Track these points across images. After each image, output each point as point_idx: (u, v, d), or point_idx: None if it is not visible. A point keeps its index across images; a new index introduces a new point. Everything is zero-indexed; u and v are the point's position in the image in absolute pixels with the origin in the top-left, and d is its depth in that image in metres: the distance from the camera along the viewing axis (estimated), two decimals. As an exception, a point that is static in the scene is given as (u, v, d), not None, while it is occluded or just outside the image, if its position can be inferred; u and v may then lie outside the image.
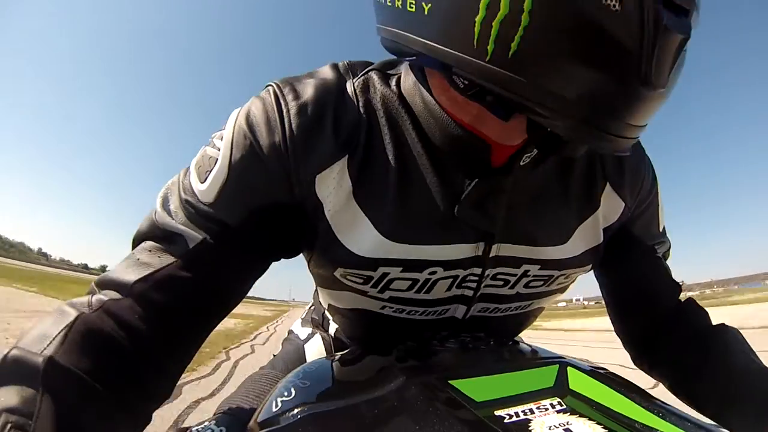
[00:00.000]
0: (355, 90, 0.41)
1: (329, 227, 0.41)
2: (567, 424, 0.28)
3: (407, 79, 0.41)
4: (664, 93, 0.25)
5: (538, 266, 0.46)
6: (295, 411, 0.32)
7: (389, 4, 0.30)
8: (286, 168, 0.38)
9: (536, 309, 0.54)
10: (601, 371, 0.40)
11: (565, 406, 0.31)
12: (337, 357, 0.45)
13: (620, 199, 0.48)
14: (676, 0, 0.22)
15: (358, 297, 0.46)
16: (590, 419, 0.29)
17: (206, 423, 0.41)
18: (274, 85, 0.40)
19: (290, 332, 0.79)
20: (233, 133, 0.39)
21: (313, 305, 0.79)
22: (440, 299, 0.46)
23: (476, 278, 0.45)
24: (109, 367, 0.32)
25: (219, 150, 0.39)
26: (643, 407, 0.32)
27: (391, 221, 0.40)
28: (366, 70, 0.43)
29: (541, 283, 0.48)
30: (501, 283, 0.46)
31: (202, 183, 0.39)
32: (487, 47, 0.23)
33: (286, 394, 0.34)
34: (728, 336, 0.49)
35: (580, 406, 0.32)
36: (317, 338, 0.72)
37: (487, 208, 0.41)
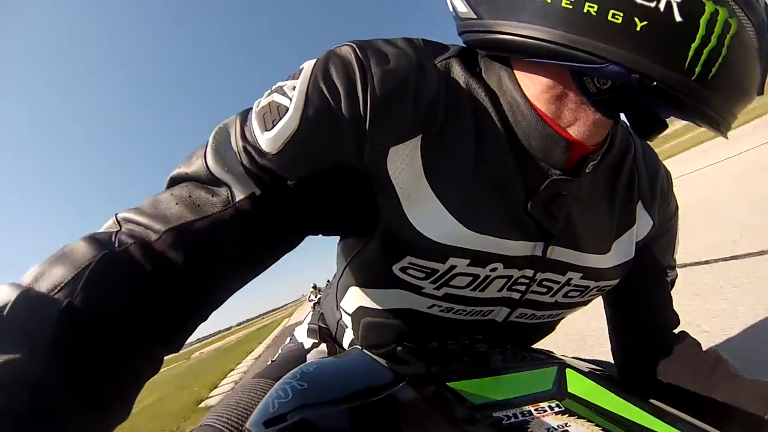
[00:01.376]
0: (436, 69, 0.39)
1: (401, 208, 0.39)
2: (565, 425, 0.28)
3: (492, 71, 0.41)
4: None
5: (581, 275, 0.47)
6: (293, 413, 0.32)
7: (568, 5, 0.29)
8: (360, 133, 0.36)
9: (560, 319, 0.55)
10: (600, 373, 0.40)
11: (563, 408, 0.31)
12: (335, 358, 0.44)
13: (650, 217, 0.51)
14: None
15: (407, 295, 0.45)
16: (588, 421, 0.29)
17: None
18: (355, 45, 0.38)
19: (291, 337, 0.75)
20: (309, 84, 0.36)
21: (321, 312, 0.74)
22: (490, 299, 0.46)
23: (526, 281, 0.45)
24: (131, 311, 0.29)
25: (291, 99, 0.36)
26: (641, 409, 0.32)
27: (465, 207, 0.39)
28: (448, 54, 0.42)
29: (578, 293, 0.49)
30: (545, 290, 0.47)
31: (266, 131, 0.36)
32: (695, 69, 0.27)
33: (282, 395, 0.34)
34: (721, 363, 0.50)
35: (579, 408, 0.32)
36: (322, 349, 0.69)
37: (553, 208, 0.42)
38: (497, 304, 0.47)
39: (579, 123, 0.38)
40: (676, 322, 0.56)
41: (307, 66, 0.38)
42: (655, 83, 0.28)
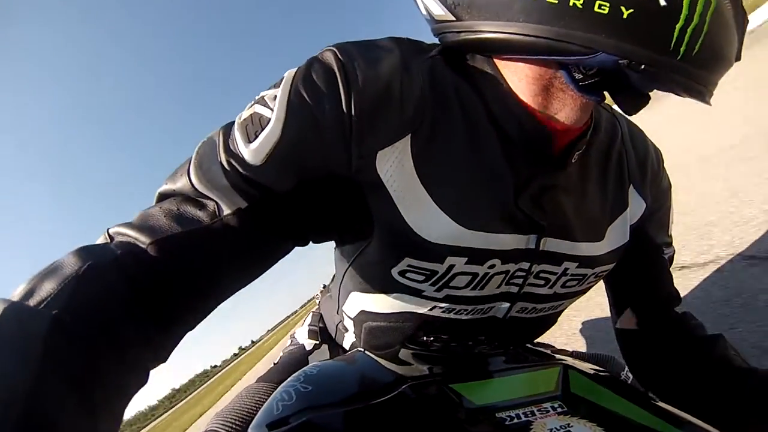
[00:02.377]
0: (422, 68, 0.39)
1: (396, 209, 0.38)
2: (568, 426, 0.28)
3: (476, 66, 0.41)
4: None
5: (576, 264, 0.47)
6: (297, 415, 0.32)
7: (553, 1, 0.30)
8: (346, 139, 0.36)
9: (561, 310, 0.55)
10: (602, 374, 0.40)
11: (566, 409, 0.31)
12: (339, 361, 0.44)
13: (642, 198, 0.51)
14: None
15: (407, 299, 0.45)
16: (591, 421, 0.29)
17: None
18: (337, 50, 0.37)
19: (293, 339, 0.75)
20: (290, 93, 0.36)
21: (321, 314, 0.75)
22: (489, 296, 0.46)
23: (523, 274, 0.45)
24: (119, 322, 0.29)
25: (272, 110, 0.36)
26: (643, 410, 0.32)
27: (459, 205, 0.39)
28: (433, 52, 0.41)
29: (576, 282, 0.49)
30: (542, 282, 0.47)
31: (249, 143, 0.36)
32: (680, 48, 0.28)
33: (286, 398, 0.34)
34: (725, 344, 0.50)
35: (581, 408, 0.32)
36: (324, 350, 0.69)
37: (542, 201, 0.42)
38: (497, 300, 0.47)
39: (566, 109, 0.38)
40: (677, 300, 0.56)
41: (288, 74, 0.38)
42: (642, 66, 0.29)
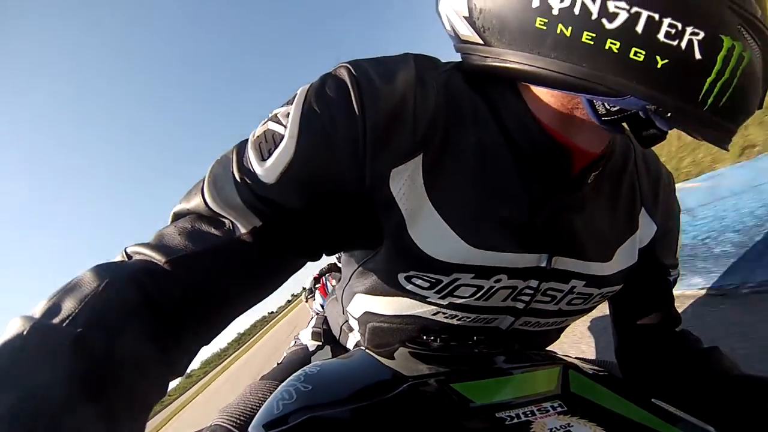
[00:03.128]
0: (437, 82, 0.39)
1: (404, 228, 0.38)
2: (568, 425, 0.28)
3: (494, 83, 0.40)
4: None
5: (584, 282, 0.47)
6: (297, 414, 0.32)
7: (589, 41, 0.29)
8: (360, 157, 0.35)
9: (564, 326, 0.56)
10: (603, 374, 0.40)
11: (566, 408, 0.31)
12: (339, 360, 0.44)
13: (653, 222, 0.51)
14: None
15: (413, 303, 0.45)
16: (591, 421, 0.29)
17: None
18: (351, 66, 0.37)
19: (296, 340, 0.76)
20: (303, 110, 0.36)
21: (325, 316, 0.76)
22: (494, 308, 0.46)
23: (531, 291, 0.45)
24: (137, 337, 0.30)
25: (285, 127, 0.36)
26: (643, 409, 0.32)
27: (469, 224, 0.39)
28: (448, 67, 0.41)
29: (581, 301, 0.49)
30: (549, 299, 0.47)
31: (263, 161, 0.35)
32: (708, 100, 0.28)
33: (287, 397, 0.34)
34: (721, 356, 0.51)
35: (582, 408, 0.32)
36: (327, 351, 0.70)
37: (558, 220, 0.42)
38: (501, 312, 0.47)
39: (585, 135, 0.39)
40: (678, 319, 0.56)
41: (301, 91, 0.37)
42: (670, 114, 0.29)
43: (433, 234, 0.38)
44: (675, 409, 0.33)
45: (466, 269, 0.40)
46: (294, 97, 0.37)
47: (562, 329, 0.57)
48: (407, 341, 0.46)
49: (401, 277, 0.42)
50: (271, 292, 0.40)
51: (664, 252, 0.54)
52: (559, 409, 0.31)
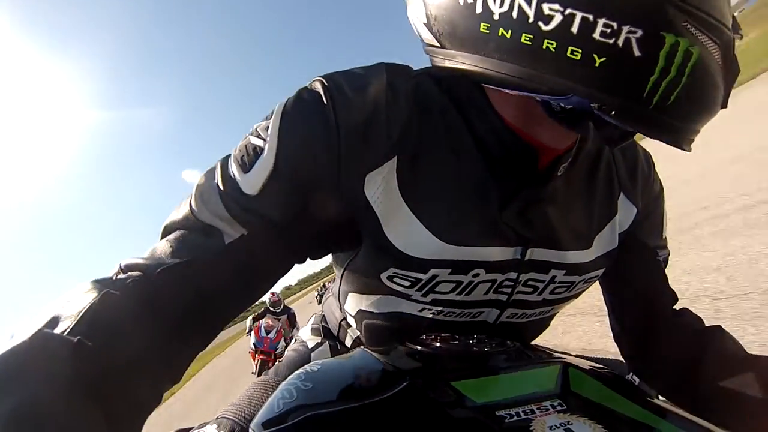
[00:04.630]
0: (407, 89, 0.41)
1: (380, 229, 0.40)
2: (568, 424, 0.29)
3: (461, 86, 0.42)
4: None
5: (564, 271, 0.47)
6: (297, 413, 0.33)
7: (527, 42, 0.29)
8: (336, 164, 0.38)
9: (553, 314, 0.56)
10: (603, 372, 0.40)
11: (565, 407, 0.31)
12: (339, 359, 0.45)
13: (633, 205, 0.52)
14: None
15: (398, 300, 0.47)
16: (591, 419, 0.29)
17: (207, 425, 0.41)
18: (324, 79, 0.39)
19: (297, 339, 0.78)
20: (281, 123, 0.38)
21: (323, 314, 0.77)
22: (478, 302, 0.47)
23: (511, 284, 0.46)
24: (133, 346, 0.31)
25: (265, 140, 0.38)
26: (643, 407, 0.32)
27: (443, 222, 0.41)
28: (417, 73, 0.43)
29: (564, 289, 0.50)
30: (531, 289, 0.48)
31: (245, 173, 0.38)
32: (653, 98, 0.28)
33: (287, 395, 0.35)
34: (724, 335, 0.50)
35: (581, 406, 0.32)
36: (326, 347, 0.71)
37: (528, 214, 0.43)
38: (485, 306, 0.48)
39: (549, 134, 0.39)
40: (674, 298, 0.56)
41: (279, 105, 0.39)
42: (613, 112, 0.29)
43: (408, 233, 0.40)
44: (675, 407, 0.33)
45: (442, 265, 0.42)
46: (272, 112, 0.39)
47: (551, 318, 0.57)
48: (407, 341, 0.46)
49: (384, 276, 0.44)
50: (261, 296, 0.42)
51: (649, 234, 0.55)
52: (558, 408, 0.31)
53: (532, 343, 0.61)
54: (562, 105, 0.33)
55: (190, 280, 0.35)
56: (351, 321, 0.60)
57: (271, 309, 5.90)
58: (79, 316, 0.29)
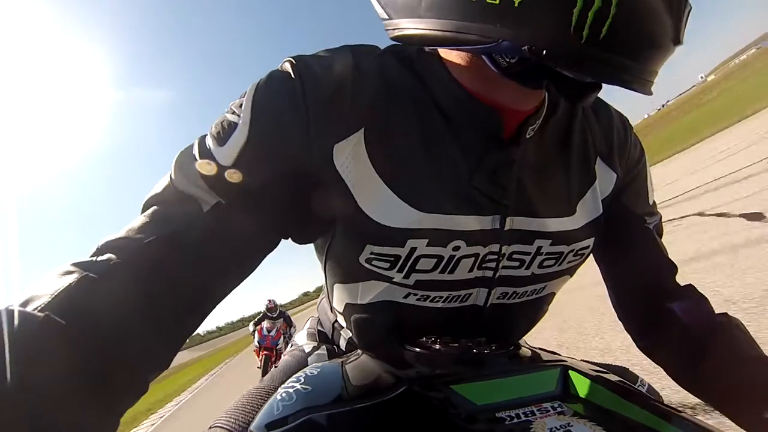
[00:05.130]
0: (372, 67, 0.43)
1: (353, 200, 0.41)
2: (568, 425, 0.28)
3: (422, 59, 0.44)
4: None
5: (549, 241, 0.47)
6: (297, 415, 0.32)
7: None
8: (305, 136, 0.39)
9: (548, 295, 0.55)
10: (603, 375, 0.40)
11: (566, 409, 0.31)
12: (339, 362, 0.45)
13: (612, 170, 0.51)
14: None
15: (381, 286, 0.46)
16: (591, 421, 0.29)
17: None
18: (293, 59, 0.42)
19: (293, 344, 0.77)
20: (253, 100, 0.40)
21: (318, 318, 0.77)
22: (463, 281, 0.46)
23: (495, 257, 0.46)
24: (113, 329, 0.30)
25: (239, 116, 0.40)
26: (643, 410, 0.32)
27: (415, 191, 0.42)
28: (381, 52, 0.45)
29: (553, 261, 0.49)
30: (517, 263, 0.47)
31: (220, 146, 0.39)
32: (582, 32, 0.27)
33: (287, 398, 0.34)
34: (732, 325, 0.49)
35: (582, 408, 0.32)
36: (322, 351, 0.70)
37: (499, 179, 0.44)
38: (472, 286, 0.47)
39: (504, 93, 0.41)
40: (673, 267, 0.55)
41: (252, 85, 0.42)
42: (545, 52, 0.29)
43: (380, 202, 0.41)
44: (675, 408, 0.33)
45: (418, 235, 0.42)
46: (246, 92, 0.41)
47: (546, 300, 0.56)
48: (405, 343, 0.46)
49: (362, 260, 0.44)
50: (247, 274, 0.43)
51: (634, 200, 0.54)
52: (559, 409, 0.31)
53: (534, 346, 0.60)
54: (507, 59, 0.34)
55: (171, 255, 0.36)
56: (342, 321, 0.59)
57: (269, 315, 6.67)
58: (53, 295, 0.29)
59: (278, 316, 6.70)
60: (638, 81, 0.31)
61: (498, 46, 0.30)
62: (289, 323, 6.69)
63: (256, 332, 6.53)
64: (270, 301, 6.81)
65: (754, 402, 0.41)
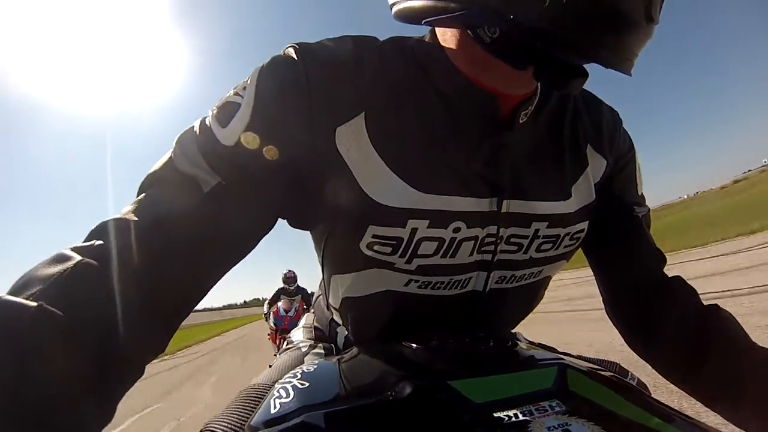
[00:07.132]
0: (373, 54, 0.44)
1: (355, 182, 0.42)
2: (566, 424, 0.28)
3: (422, 45, 0.46)
4: (655, 28, 0.32)
5: (546, 223, 0.48)
6: (294, 413, 0.32)
7: None
8: (307, 119, 0.40)
9: (545, 279, 0.55)
10: (601, 373, 0.40)
11: (564, 408, 0.31)
12: (336, 358, 0.44)
13: (602, 157, 0.53)
14: None
15: (383, 273, 0.46)
16: (589, 420, 0.29)
17: None
18: (297, 45, 0.43)
19: (290, 341, 0.76)
20: (257, 81, 0.41)
21: (315, 315, 0.76)
22: (463, 265, 0.47)
23: (493, 239, 0.47)
24: (108, 316, 0.30)
25: (242, 97, 0.40)
26: (641, 408, 0.32)
27: (414, 171, 0.43)
28: (382, 42, 0.46)
29: (550, 245, 0.50)
30: (515, 247, 0.48)
31: (223, 127, 0.40)
32: None
33: (284, 395, 0.34)
34: (724, 318, 0.49)
35: (579, 407, 0.32)
36: (319, 349, 0.69)
37: (496, 162, 0.45)
38: (472, 269, 0.48)
39: (497, 77, 0.42)
40: (661, 258, 0.56)
41: (256, 69, 0.42)
42: (511, 16, 0.30)
43: (381, 182, 0.42)
44: (674, 408, 0.33)
45: (419, 215, 0.42)
46: (250, 75, 0.42)
47: (543, 284, 0.56)
48: (402, 338, 0.46)
49: (363, 245, 0.44)
50: (245, 254, 0.43)
51: (623, 189, 0.56)
52: (557, 408, 0.31)
53: (534, 341, 0.60)
54: (490, 34, 0.35)
55: (168, 238, 0.35)
56: (337, 317, 0.59)
57: (286, 286, 5.61)
58: (47, 283, 0.28)
59: (296, 291, 5.60)
60: (619, 60, 0.31)
61: (470, 11, 0.32)
62: (307, 302, 5.31)
63: (272, 313, 5.51)
64: (289, 270, 5.67)
65: (754, 401, 0.41)
